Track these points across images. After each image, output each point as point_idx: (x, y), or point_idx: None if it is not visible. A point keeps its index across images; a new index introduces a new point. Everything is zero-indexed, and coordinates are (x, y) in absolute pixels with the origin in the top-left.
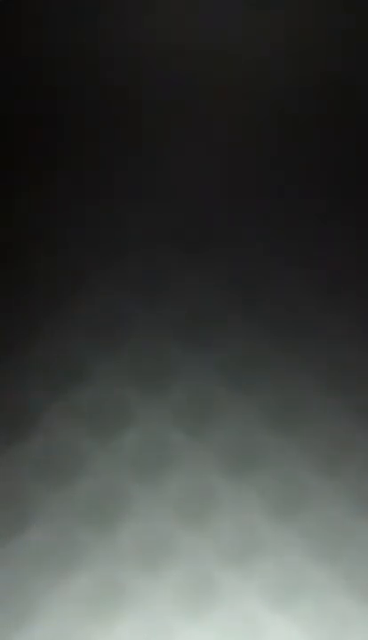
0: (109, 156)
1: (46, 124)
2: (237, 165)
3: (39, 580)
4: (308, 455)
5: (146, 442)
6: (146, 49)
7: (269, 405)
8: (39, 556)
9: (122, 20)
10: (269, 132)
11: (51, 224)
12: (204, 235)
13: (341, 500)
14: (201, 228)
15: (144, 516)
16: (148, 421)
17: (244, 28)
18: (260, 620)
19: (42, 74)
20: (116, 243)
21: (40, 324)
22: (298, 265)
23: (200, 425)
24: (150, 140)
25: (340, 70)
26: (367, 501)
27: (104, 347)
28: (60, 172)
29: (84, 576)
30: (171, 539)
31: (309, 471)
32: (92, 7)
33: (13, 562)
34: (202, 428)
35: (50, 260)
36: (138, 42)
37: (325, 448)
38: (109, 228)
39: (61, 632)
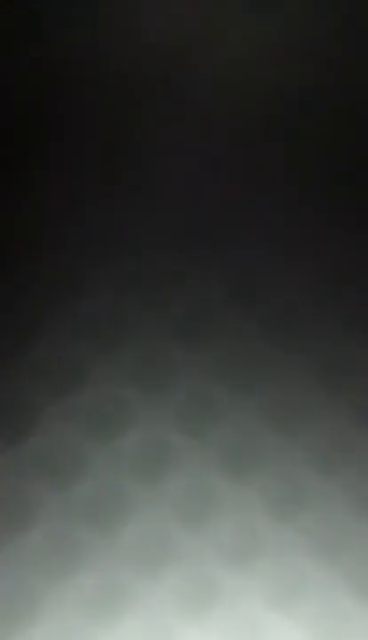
0: (109, 156)
1: (46, 123)
2: (237, 166)
3: (39, 580)
4: (308, 455)
5: (146, 442)
6: (146, 49)
7: (269, 405)
8: (39, 557)
9: (122, 19)
10: (269, 132)
11: (51, 224)
12: (205, 235)
13: (341, 500)
14: (201, 229)
15: (144, 517)
16: (149, 422)
17: (244, 27)
18: (260, 620)
19: (42, 73)
20: (116, 243)
21: (40, 324)
22: (298, 265)
23: (200, 425)
24: (150, 140)
25: (340, 70)
26: (367, 501)
27: (104, 347)
28: (59, 172)
29: (84, 576)
30: (171, 539)
31: (309, 471)
32: (92, 6)
33: (13, 562)
34: (202, 428)
35: (50, 260)
36: (138, 42)
37: (325, 448)
38: (109, 228)
39: (62, 632)
